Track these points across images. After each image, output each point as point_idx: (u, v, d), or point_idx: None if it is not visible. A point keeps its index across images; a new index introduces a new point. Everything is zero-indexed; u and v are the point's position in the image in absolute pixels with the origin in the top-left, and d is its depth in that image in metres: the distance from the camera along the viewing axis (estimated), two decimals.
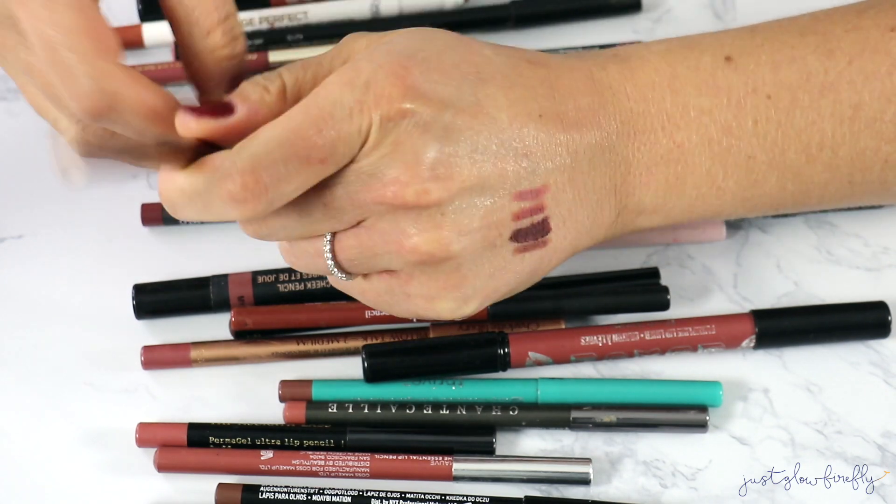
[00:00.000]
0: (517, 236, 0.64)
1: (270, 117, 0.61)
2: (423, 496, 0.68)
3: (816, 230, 0.77)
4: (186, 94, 0.82)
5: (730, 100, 0.66)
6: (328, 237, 0.64)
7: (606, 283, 0.74)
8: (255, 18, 0.84)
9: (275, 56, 0.83)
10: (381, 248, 0.63)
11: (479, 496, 0.68)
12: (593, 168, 0.65)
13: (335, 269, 0.65)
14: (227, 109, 0.61)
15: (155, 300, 0.74)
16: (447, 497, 0.68)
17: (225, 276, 0.74)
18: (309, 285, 0.74)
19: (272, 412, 0.72)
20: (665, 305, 0.72)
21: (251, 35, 0.83)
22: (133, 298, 0.74)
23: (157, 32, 0.84)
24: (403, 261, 0.63)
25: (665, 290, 0.72)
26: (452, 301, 0.65)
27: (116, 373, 0.73)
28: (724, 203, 0.67)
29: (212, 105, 0.61)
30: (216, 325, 0.74)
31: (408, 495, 0.68)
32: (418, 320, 0.73)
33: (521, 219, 0.64)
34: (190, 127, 0.60)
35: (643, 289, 0.73)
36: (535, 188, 0.64)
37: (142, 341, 0.74)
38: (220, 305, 0.74)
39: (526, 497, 0.69)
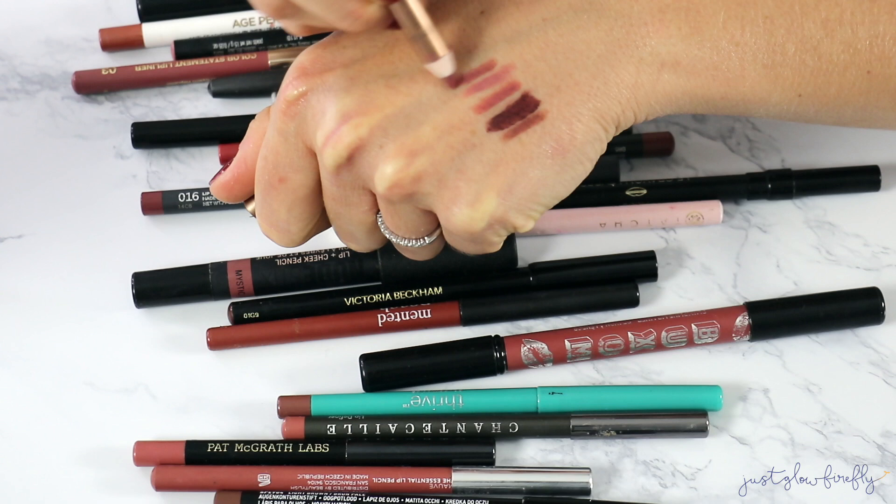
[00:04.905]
0: (497, 124, 0.64)
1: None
2: (421, 502, 0.68)
3: (816, 230, 0.77)
4: (186, 93, 0.83)
5: None
6: (380, 222, 0.67)
7: (602, 266, 0.75)
8: (254, 18, 0.84)
9: (274, 56, 0.83)
10: (387, 201, 0.65)
11: (478, 498, 0.69)
12: (577, 27, 0.64)
13: (404, 241, 0.67)
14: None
15: (154, 287, 0.74)
16: (446, 502, 0.68)
17: (224, 263, 0.75)
18: (307, 259, 0.74)
19: (271, 409, 0.72)
20: (634, 302, 0.74)
21: (251, 35, 0.83)
22: (132, 287, 0.74)
23: (157, 32, 0.84)
24: (402, 201, 0.65)
25: (635, 287, 0.74)
26: (464, 208, 0.64)
27: (116, 373, 0.73)
28: (746, 66, 0.65)
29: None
30: (215, 313, 0.75)
31: (407, 500, 0.68)
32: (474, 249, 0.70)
33: (490, 107, 0.64)
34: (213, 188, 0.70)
35: (614, 287, 0.74)
36: (496, 72, 0.64)
37: (142, 341, 0.74)
38: (220, 293, 0.75)
39: (525, 489, 0.69)
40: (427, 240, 0.68)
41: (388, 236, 0.68)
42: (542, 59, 0.64)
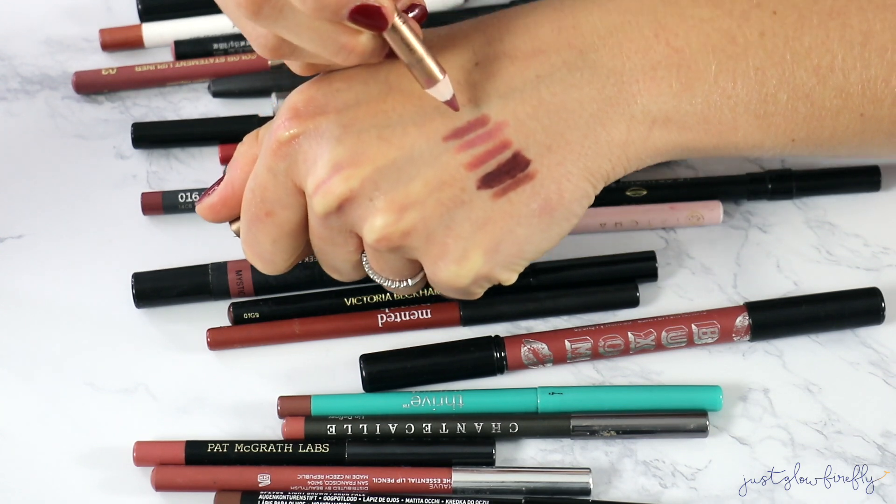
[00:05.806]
0: (487, 182, 0.64)
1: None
2: (421, 502, 0.68)
3: (816, 230, 0.77)
4: (186, 93, 0.83)
5: (733, 11, 0.65)
6: (365, 262, 0.68)
7: (602, 266, 0.75)
8: None
9: None
10: (373, 249, 0.66)
11: (478, 498, 0.69)
12: (571, 86, 0.65)
13: (387, 282, 0.68)
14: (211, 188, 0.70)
15: (154, 287, 0.74)
16: (446, 502, 0.68)
17: (224, 263, 0.75)
18: (307, 259, 0.74)
19: (271, 409, 0.72)
20: (634, 302, 0.74)
21: None
22: (132, 287, 0.74)
23: (157, 32, 0.84)
24: (390, 252, 0.65)
25: (635, 287, 0.74)
26: (450, 265, 0.65)
27: (116, 373, 0.73)
28: (738, 118, 0.65)
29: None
30: (215, 313, 0.75)
31: (407, 500, 0.68)
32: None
33: (481, 164, 0.64)
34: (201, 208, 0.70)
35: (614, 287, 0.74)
36: (489, 129, 0.64)
37: (142, 341, 0.74)
38: (220, 293, 0.75)
39: (525, 489, 0.69)
40: (410, 282, 0.68)
41: (371, 276, 0.68)
42: (535, 117, 0.64)
